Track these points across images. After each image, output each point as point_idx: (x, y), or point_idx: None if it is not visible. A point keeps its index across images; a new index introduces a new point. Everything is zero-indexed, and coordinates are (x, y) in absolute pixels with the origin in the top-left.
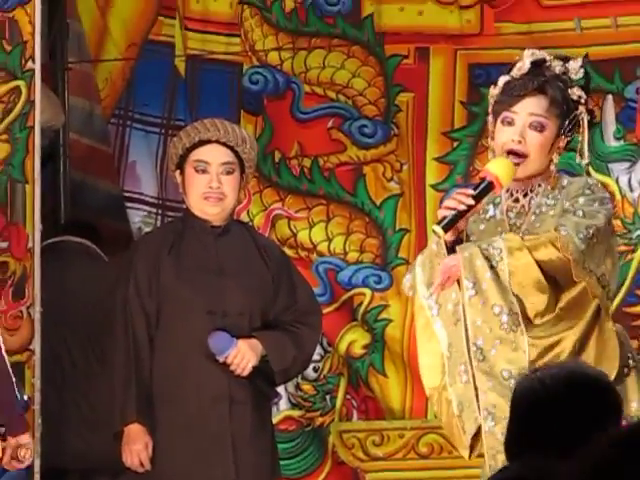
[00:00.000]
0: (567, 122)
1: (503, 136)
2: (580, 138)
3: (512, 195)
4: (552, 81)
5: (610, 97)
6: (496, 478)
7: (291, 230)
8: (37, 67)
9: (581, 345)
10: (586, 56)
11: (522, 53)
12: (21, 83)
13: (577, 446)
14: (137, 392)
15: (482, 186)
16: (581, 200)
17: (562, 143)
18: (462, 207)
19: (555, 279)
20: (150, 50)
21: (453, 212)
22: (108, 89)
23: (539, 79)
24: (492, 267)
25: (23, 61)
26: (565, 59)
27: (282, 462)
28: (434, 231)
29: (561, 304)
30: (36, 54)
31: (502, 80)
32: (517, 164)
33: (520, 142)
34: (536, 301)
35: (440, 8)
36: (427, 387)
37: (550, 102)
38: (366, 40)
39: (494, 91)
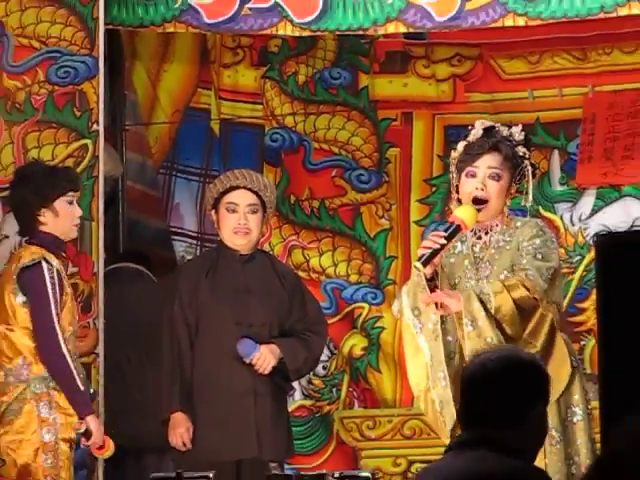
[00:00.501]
0: (516, 173)
1: (468, 186)
2: (526, 186)
3: (476, 234)
4: (503, 141)
5: (556, 151)
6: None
7: (304, 257)
8: (101, 129)
9: (541, 356)
10: (537, 119)
11: (485, 117)
12: (88, 141)
13: (513, 419)
14: (180, 387)
15: (451, 229)
16: (537, 242)
17: (513, 190)
18: (437, 246)
19: (523, 310)
20: (191, 115)
21: (429, 250)
22: (157, 146)
23: (493, 140)
24: (485, 308)
25: (89, 124)
26: (509, 126)
27: (296, 442)
28: (415, 266)
29: (526, 332)
30: (100, 118)
31: (461, 145)
32: (479, 210)
33: (482, 189)
34: (511, 330)
35: (421, 81)
36: (414, 389)
37: (504, 157)
38: (362, 107)
39: (455, 154)
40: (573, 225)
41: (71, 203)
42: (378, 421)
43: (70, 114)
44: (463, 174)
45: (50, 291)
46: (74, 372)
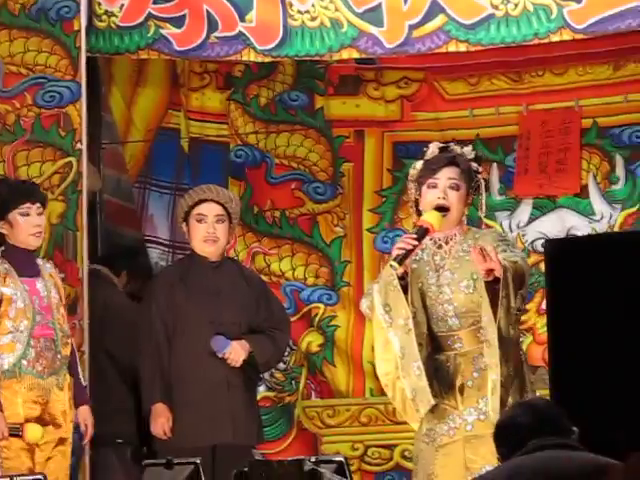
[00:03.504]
0: (472, 185)
1: (430, 196)
2: (480, 198)
3: (436, 243)
4: (459, 157)
5: (495, 165)
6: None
7: (266, 262)
8: (84, 147)
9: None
10: (477, 135)
11: (430, 134)
12: (73, 159)
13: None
14: (160, 380)
15: (421, 231)
16: (502, 245)
17: (469, 201)
18: (409, 247)
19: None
20: (163, 134)
21: (403, 251)
22: (133, 163)
23: (450, 155)
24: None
25: (74, 143)
26: (460, 145)
27: None
28: (391, 265)
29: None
30: (83, 138)
31: (419, 163)
32: (444, 215)
33: (444, 198)
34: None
35: (372, 102)
36: (382, 379)
37: (461, 171)
38: (319, 126)
39: (414, 171)
40: (512, 232)
41: (26, 215)
42: (337, 410)
43: (56, 134)
44: (424, 186)
45: None
46: None
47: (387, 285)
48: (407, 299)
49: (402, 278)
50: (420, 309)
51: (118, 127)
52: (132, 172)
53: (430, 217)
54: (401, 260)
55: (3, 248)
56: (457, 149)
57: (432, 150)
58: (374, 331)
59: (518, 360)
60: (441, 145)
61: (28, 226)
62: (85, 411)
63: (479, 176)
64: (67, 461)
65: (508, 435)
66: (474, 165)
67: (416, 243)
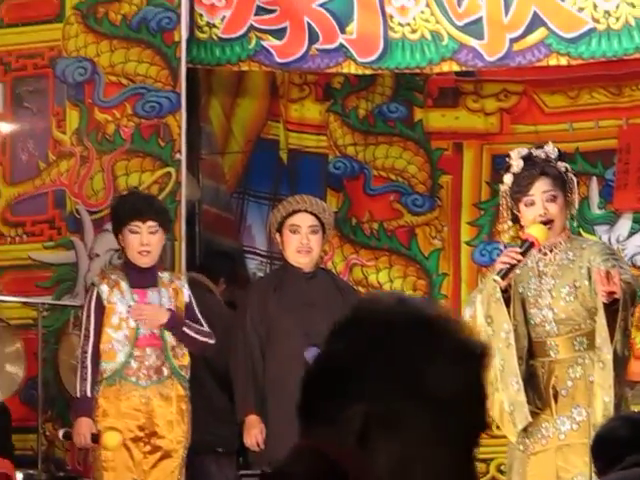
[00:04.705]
0: (567, 188)
1: (530, 214)
2: (572, 197)
3: (541, 250)
4: (545, 164)
5: (594, 178)
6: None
7: (363, 274)
8: (183, 158)
9: None
10: (577, 149)
11: (529, 148)
12: (171, 169)
13: None
14: (254, 392)
15: (526, 245)
16: (611, 261)
17: (570, 204)
18: (513, 262)
19: None
20: (261, 145)
21: (507, 265)
22: (231, 173)
23: (538, 167)
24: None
25: (173, 153)
26: (540, 146)
27: None
28: (494, 280)
29: None
30: (182, 148)
31: (508, 178)
32: (549, 228)
33: (545, 214)
34: None
35: (471, 114)
36: None
37: (552, 179)
38: (417, 138)
39: (504, 187)
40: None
41: (135, 233)
42: None
43: (155, 144)
44: (521, 204)
45: (85, 312)
46: (78, 379)
47: (490, 297)
48: (509, 312)
49: (505, 291)
50: (522, 323)
51: (217, 138)
52: (230, 182)
53: (535, 231)
54: (504, 274)
55: (123, 260)
56: (541, 153)
57: (517, 162)
58: None
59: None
60: (524, 154)
61: (136, 244)
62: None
63: (570, 175)
64: (171, 475)
65: (606, 448)
66: (561, 165)
67: (520, 258)
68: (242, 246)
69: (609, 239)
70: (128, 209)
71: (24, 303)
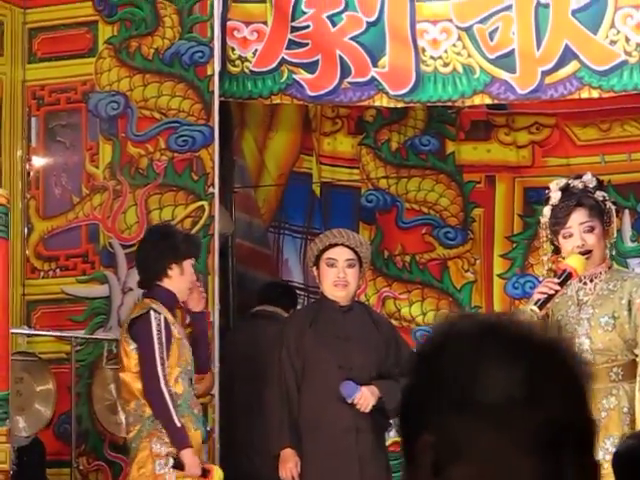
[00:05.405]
0: (605, 218)
1: (568, 246)
2: (612, 226)
3: (581, 280)
4: (582, 195)
5: (627, 211)
6: None
7: (396, 307)
8: (216, 191)
9: None
10: (609, 181)
11: (553, 181)
12: (205, 203)
13: None
14: (289, 425)
15: (564, 276)
16: None
17: (609, 233)
18: (551, 292)
19: None
20: (295, 178)
21: (545, 295)
22: (266, 207)
23: (574, 198)
24: None
25: (206, 187)
26: (579, 176)
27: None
28: (532, 309)
29: None
30: (215, 182)
31: (547, 210)
32: (587, 258)
33: (583, 245)
34: None
35: (503, 147)
36: None
37: (589, 209)
38: (449, 171)
39: (544, 219)
40: None
41: (193, 267)
42: None
43: (188, 178)
44: (560, 237)
45: (155, 338)
46: (171, 410)
47: None
48: None
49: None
50: None
51: (250, 171)
52: (266, 216)
53: (574, 261)
54: (542, 304)
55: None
56: (578, 184)
57: (555, 194)
58: None
59: None
60: (562, 185)
61: (192, 277)
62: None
63: (608, 204)
64: None
65: (624, 466)
66: (599, 195)
67: (558, 288)
68: (281, 280)
69: None
70: (191, 244)
71: (57, 337)
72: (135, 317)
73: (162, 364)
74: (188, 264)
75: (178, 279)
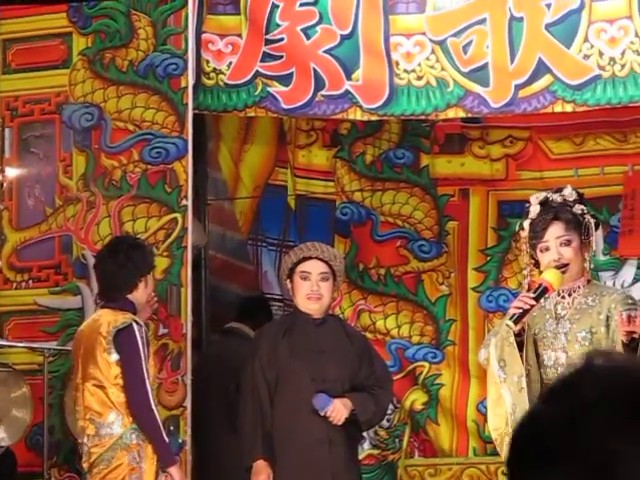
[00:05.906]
0: (583, 231)
1: (545, 260)
2: (591, 239)
3: (559, 294)
4: (560, 208)
5: (599, 225)
6: None
7: (371, 320)
8: (189, 204)
9: None
10: (582, 195)
11: (533, 195)
12: (178, 215)
13: None
14: (262, 437)
15: (539, 290)
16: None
17: (587, 246)
18: (527, 306)
19: None
20: (270, 191)
21: (520, 310)
22: (243, 219)
23: (552, 212)
24: None
25: (179, 199)
26: (559, 190)
27: None
28: (507, 324)
29: None
30: (189, 194)
31: (526, 224)
32: (564, 272)
33: (559, 259)
34: None
35: (477, 160)
36: (493, 433)
37: (566, 223)
38: (424, 184)
39: (523, 233)
40: None
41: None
42: (439, 469)
43: (162, 190)
44: (537, 250)
45: (141, 349)
46: (160, 425)
47: (503, 340)
48: (522, 357)
49: (518, 335)
50: (535, 367)
51: (226, 183)
52: (244, 229)
53: (549, 276)
54: (517, 319)
55: (110, 302)
56: (557, 197)
57: (534, 207)
58: (487, 385)
59: None
60: (541, 199)
61: (151, 289)
62: (174, 471)
63: (587, 217)
64: None
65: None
66: (578, 208)
67: (534, 303)
68: (262, 293)
69: (613, 285)
70: (153, 255)
71: (30, 348)
72: (121, 328)
73: (147, 377)
74: (151, 276)
75: (142, 291)
